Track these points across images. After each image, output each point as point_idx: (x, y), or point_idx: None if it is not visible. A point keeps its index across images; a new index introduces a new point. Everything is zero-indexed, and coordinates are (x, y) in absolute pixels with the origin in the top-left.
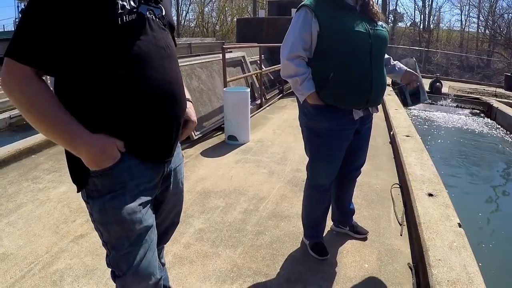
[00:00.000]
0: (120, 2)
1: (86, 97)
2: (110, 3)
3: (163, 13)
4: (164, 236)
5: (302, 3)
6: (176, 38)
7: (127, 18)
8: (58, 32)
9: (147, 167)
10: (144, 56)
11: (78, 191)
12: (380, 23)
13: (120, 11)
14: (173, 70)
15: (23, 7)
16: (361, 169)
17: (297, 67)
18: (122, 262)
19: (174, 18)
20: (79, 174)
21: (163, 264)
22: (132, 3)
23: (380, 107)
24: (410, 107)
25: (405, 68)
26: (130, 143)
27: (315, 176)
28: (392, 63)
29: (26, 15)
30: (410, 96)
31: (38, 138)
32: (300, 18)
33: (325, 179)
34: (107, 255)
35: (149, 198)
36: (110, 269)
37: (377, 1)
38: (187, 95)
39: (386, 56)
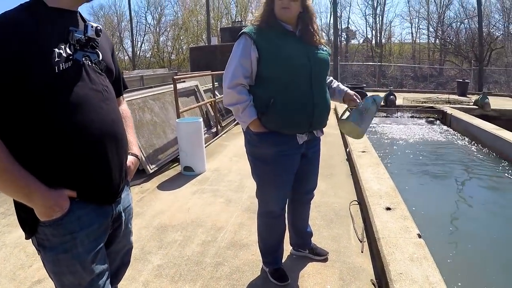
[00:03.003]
0: (57, 50)
1: (31, 148)
2: (48, 52)
3: (100, 58)
4: (115, 276)
5: (242, 31)
6: (127, 71)
7: (63, 66)
8: None
9: (97, 213)
10: (82, 100)
11: (27, 238)
12: (321, 46)
13: (57, 59)
14: (112, 112)
15: None
16: (314, 191)
17: (238, 95)
18: None
19: (126, 55)
20: (29, 222)
21: None
22: (68, 50)
23: (336, 126)
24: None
25: (346, 89)
26: (79, 189)
27: (265, 203)
28: (333, 87)
29: None
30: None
31: None
32: (240, 46)
33: (276, 205)
34: None
35: (101, 244)
36: None
37: (328, 21)
38: (132, 138)
39: (329, 79)
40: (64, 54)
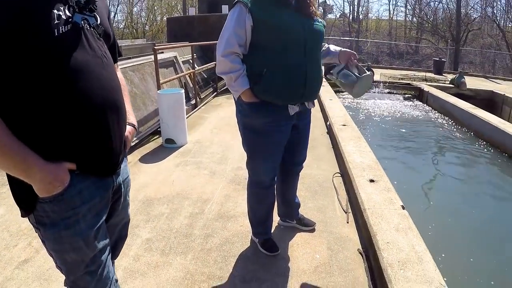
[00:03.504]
0: (56, 11)
1: (28, 119)
2: (46, 14)
3: (98, 22)
4: (113, 251)
5: None
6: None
7: (62, 28)
8: None
9: (97, 186)
10: (82, 66)
11: (23, 216)
12: (316, 18)
13: (56, 21)
14: (111, 79)
15: None
16: (303, 163)
17: (231, 63)
18: (80, 283)
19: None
20: (26, 198)
21: (116, 280)
22: (67, 12)
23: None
24: (359, 93)
25: (340, 48)
26: (79, 161)
27: (256, 173)
28: (325, 47)
29: None
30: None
31: None
32: (234, 14)
33: (266, 175)
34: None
35: (103, 218)
36: None
37: None
38: (129, 108)
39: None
40: (63, 16)
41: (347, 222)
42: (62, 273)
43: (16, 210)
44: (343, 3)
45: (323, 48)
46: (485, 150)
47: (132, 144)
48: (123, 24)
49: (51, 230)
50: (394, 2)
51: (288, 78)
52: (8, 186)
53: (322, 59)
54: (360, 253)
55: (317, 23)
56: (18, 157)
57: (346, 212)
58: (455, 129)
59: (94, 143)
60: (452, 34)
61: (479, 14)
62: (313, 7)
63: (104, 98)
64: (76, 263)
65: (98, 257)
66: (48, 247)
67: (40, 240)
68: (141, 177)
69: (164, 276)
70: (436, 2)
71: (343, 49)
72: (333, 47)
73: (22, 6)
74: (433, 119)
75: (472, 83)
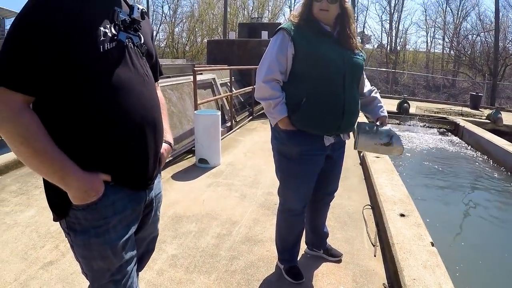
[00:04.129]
0: (102, 29)
1: (68, 130)
2: (93, 30)
3: (141, 41)
4: (139, 263)
5: (280, 26)
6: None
7: (108, 45)
8: (45, 59)
9: (130, 198)
10: (124, 83)
11: (55, 220)
12: (357, 51)
13: (102, 38)
14: (152, 98)
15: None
16: (335, 193)
17: (272, 90)
18: None
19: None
20: (60, 204)
21: None
22: (113, 30)
23: None
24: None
25: (382, 113)
26: (115, 174)
27: (287, 201)
28: (372, 100)
29: (12, 42)
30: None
31: (4, 158)
32: (277, 41)
33: (297, 203)
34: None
35: (132, 230)
36: None
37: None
38: (166, 126)
39: (370, 87)
40: (109, 34)
41: (375, 256)
42: (87, 279)
43: (47, 212)
44: (381, 34)
45: (374, 100)
46: None
47: (166, 160)
48: (165, 43)
49: (81, 237)
50: (432, 34)
51: (326, 109)
52: (40, 189)
53: (367, 106)
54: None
55: (357, 56)
56: (57, 165)
57: (374, 245)
58: (489, 166)
59: (130, 157)
60: (490, 68)
61: None
62: (354, 39)
63: (143, 115)
64: (102, 271)
65: (124, 267)
66: (76, 253)
67: (68, 244)
68: (172, 194)
69: None
70: (474, 36)
71: (383, 116)
72: (378, 106)
73: (68, 25)
74: (468, 155)
75: (509, 119)
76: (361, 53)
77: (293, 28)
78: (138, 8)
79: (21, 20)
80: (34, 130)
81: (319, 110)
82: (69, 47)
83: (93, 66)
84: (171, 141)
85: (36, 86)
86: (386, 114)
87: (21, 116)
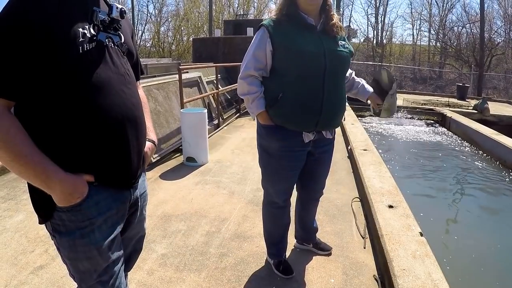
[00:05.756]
0: (81, 30)
1: (49, 131)
2: (72, 32)
3: (122, 41)
4: (127, 263)
5: (261, 22)
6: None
7: (87, 46)
8: (24, 63)
9: (114, 198)
10: (104, 83)
11: (41, 223)
12: (342, 43)
13: (81, 39)
14: (132, 96)
15: None
16: (323, 190)
17: (249, 86)
18: None
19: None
20: (44, 206)
21: None
22: (92, 30)
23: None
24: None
25: (370, 90)
26: (98, 174)
27: (269, 194)
28: (356, 85)
29: None
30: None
31: None
32: (257, 38)
33: (278, 197)
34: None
35: (118, 230)
36: None
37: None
38: (149, 124)
39: (349, 72)
40: (88, 34)
41: (364, 248)
42: (74, 281)
43: (36, 217)
44: (367, 27)
45: (358, 85)
46: (507, 179)
47: (153, 160)
48: (150, 42)
49: (66, 238)
50: (417, 27)
51: (301, 105)
52: (28, 194)
53: (351, 91)
54: (376, 279)
55: (342, 49)
56: (39, 168)
57: (363, 238)
58: (477, 156)
59: (113, 156)
60: (476, 59)
61: (503, 38)
62: (337, 28)
63: (124, 114)
64: (89, 272)
65: (111, 268)
66: (63, 255)
67: (56, 247)
68: (160, 193)
69: None
70: (460, 27)
71: (373, 94)
72: (364, 87)
73: (47, 23)
74: (455, 145)
75: (496, 108)
76: (347, 45)
77: (272, 24)
78: (117, 7)
79: None
80: (14, 134)
81: (293, 105)
82: (48, 50)
83: (72, 67)
84: (155, 140)
85: (17, 90)
86: (371, 89)
87: (0, 120)
